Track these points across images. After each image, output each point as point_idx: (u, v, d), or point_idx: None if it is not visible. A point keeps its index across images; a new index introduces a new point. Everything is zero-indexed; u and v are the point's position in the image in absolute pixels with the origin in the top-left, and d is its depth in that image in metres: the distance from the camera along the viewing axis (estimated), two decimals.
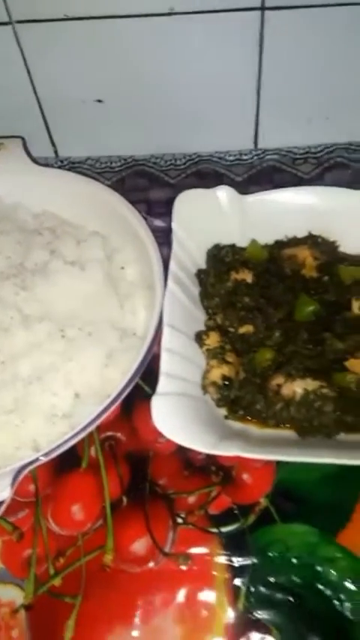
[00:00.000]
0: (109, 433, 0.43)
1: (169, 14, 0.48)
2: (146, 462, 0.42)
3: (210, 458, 0.41)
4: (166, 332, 0.40)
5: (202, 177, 0.61)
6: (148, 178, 0.60)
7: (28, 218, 0.52)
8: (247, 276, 0.44)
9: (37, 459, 0.35)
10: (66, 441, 0.37)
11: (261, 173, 0.60)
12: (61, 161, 0.62)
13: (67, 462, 0.41)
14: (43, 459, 0.36)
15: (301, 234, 0.47)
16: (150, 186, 0.60)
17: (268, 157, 0.60)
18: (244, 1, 0.47)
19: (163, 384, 0.37)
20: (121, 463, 0.41)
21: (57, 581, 0.37)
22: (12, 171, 0.52)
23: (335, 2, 0.48)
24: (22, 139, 0.53)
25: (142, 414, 0.43)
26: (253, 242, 0.45)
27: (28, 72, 0.54)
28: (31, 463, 0.35)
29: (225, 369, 0.40)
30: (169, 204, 0.58)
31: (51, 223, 0.51)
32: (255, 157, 0.61)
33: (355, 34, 0.50)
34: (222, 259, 0.45)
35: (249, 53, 0.51)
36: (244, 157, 0.61)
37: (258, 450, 0.36)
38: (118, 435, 0.43)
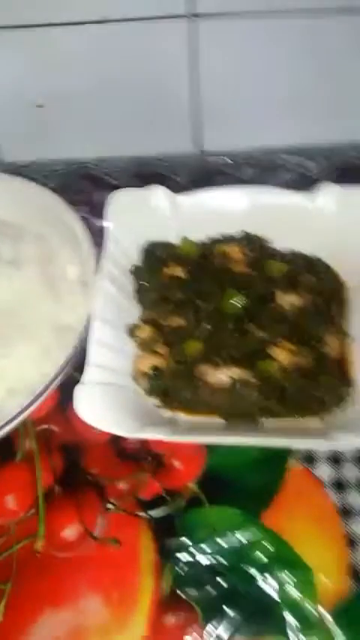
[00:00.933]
0: (45, 426, 0.44)
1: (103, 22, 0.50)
2: (80, 451, 0.43)
3: (143, 446, 0.43)
4: (96, 325, 0.41)
5: (146, 179, 0.62)
6: (92, 181, 0.62)
7: None
8: (179, 272, 0.46)
9: None
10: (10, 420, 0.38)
11: (204, 176, 0.63)
12: (7, 166, 0.63)
13: (2, 456, 0.42)
14: None
15: (234, 231, 0.49)
16: (94, 189, 0.62)
17: (210, 159, 0.63)
18: (173, 9, 0.49)
19: (88, 373, 0.39)
20: (55, 454, 0.42)
21: None
22: None
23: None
24: None
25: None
26: (185, 239, 0.47)
27: None
28: None
29: (154, 360, 0.42)
30: None
31: None
32: (195, 160, 0.63)
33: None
34: (155, 255, 0.47)
35: (185, 58, 0.54)
36: (188, 160, 0.63)
37: (185, 434, 0.38)
38: (54, 427, 0.44)
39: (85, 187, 0.61)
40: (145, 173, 0.62)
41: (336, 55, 0.55)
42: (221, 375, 0.41)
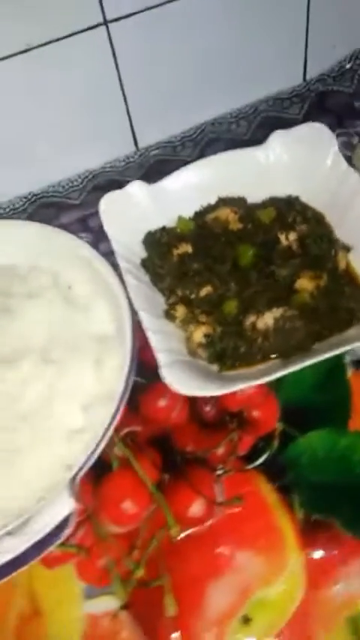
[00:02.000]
0: (126, 430, 0.45)
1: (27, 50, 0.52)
2: (168, 438, 0.45)
3: (220, 412, 0.45)
4: (142, 316, 0.43)
5: (102, 189, 0.64)
6: (55, 206, 0.63)
7: None
8: (187, 248, 0.49)
9: (82, 467, 0.37)
10: (95, 449, 0.39)
11: (151, 170, 0.66)
12: None
13: (99, 470, 0.43)
14: (89, 463, 0.37)
15: (212, 201, 0.53)
16: (59, 213, 0.63)
17: (152, 153, 0.66)
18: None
19: (162, 357, 0.41)
20: (147, 449, 0.44)
21: (140, 573, 0.39)
22: None
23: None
24: None
25: (147, 403, 0.45)
26: (180, 218, 0.50)
27: None
28: (79, 471, 0.37)
29: (203, 328, 0.44)
30: (83, 221, 0.63)
31: None
32: (140, 157, 0.66)
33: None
34: (159, 242, 0.49)
35: (106, 66, 0.57)
36: (131, 160, 0.66)
37: (258, 377, 0.41)
38: (134, 428, 0.45)
39: (50, 215, 0.62)
40: (101, 184, 0.64)
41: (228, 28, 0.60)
42: (266, 319, 0.44)
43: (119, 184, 0.63)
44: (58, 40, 0.52)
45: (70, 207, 0.63)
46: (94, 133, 0.62)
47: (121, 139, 0.64)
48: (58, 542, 0.34)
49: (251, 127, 0.68)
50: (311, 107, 0.67)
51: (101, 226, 0.60)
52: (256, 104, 0.68)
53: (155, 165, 0.66)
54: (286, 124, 0.55)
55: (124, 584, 0.38)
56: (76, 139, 0.61)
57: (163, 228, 0.50)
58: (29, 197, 0.64)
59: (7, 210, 0.63)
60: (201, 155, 0.66)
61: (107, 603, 0.38)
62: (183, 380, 0.39)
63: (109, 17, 0.53)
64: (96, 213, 0.61)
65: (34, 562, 0.33)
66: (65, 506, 0.35)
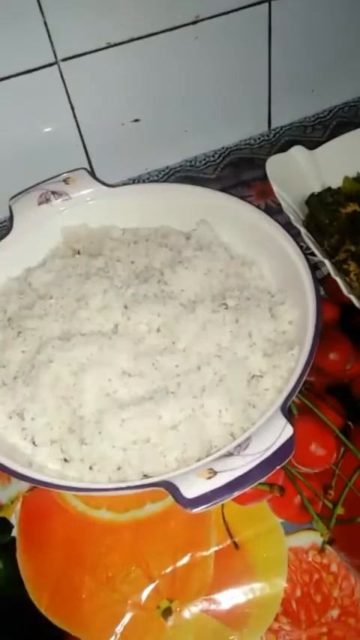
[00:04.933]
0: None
1: None
2: (348, 388, 0.44)
3: None
4: (327, 263, 0.44)
5: (235, 166, 0.66)
6: (191, 180, 0.65)
7: (119, 234, 0.53)
8: (356, 207, 0.49)
9: (292, 393, 0.37)
10: (293, 389, 0.39)
11: (281, 150, 0.67)
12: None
13: None
14: (297, 389, 0.37)
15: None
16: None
17: (284, 133, 0.68)
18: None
19: (355, 301, 0.41)
20: (326, 397, 0.44)
21: (340, 510, 0.38)
22: (88, 197, 0.54)
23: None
24: (85, 168, 0.55)
25: (319, 355, 0.45)
26: (346, 178, 0.51)
27: None
28: (289, 396, 0.37)
29: None
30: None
31: (145, 232, 0.53)
32: (272, 137, 0.68)
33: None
34: (325, 202, 0.50)
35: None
36: (265, 139, 0.68)
37: None
38: (309, 378, 0.45)
39: None
40: (234, 161, 0.65)
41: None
42: None
43: (252, 162, 0.66)
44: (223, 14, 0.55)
45: (206, 181, 0.64)
46: (233, 112, 0.64)
47: (256, 119, 0.66)
48: (284, 463, 0.33)
49: None
50: None
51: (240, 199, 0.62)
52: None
53: (286, 146, 0.67)
54: None
55: (326, 521, 0.38)
56: (214, 117, 0.64)
57: (329, 189, 0.51)
58: (166, 170, 0.66)
59: (145, 182, 0.64)
60: (331, 137, 0.68)
61: (310, 538, 0.37)
62: None
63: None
64: (232, 186, 0.64)
65: (257, 482, 0.33)
66: (284, 429, 0.34)
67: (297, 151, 0.52)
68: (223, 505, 0.39)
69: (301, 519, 0.38)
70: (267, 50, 0.60)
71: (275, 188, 0.50)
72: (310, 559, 0.36)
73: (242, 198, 0.61)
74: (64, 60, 0.54)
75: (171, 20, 0.54)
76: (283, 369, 0.42)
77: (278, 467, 0.33)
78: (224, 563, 0.37)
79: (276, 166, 0.51)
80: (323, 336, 0.44)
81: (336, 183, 0.53)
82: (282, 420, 0.35)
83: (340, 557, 0.36)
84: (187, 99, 0.62)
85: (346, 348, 0.46)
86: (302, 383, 0.39)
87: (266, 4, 0.56)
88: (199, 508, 0.32)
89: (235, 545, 0.37)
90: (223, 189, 0.64)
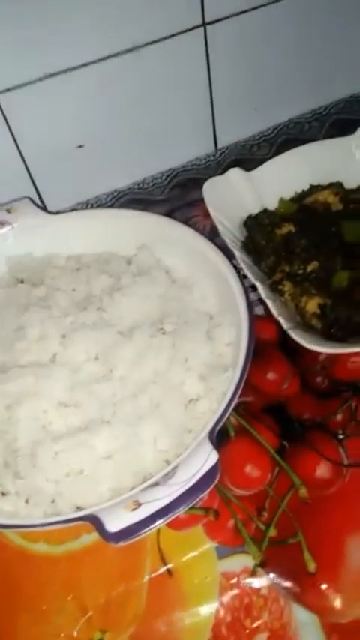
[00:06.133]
0: (238, 400, 0.46)
1: None
2: (284, 408, 0.45)
3: (333, 382, 0.46)
4: (259, 287, 0.45)
5: (183, 187, 0.67)
6: (140, 203, 0.66)
7: (63, 261, 0.54)
8: (291, 227, 0.50)
9: (220, 419, 0.38)
10: (224, 413, 0.39)
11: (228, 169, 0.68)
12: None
13: (216, 440, 0.43)
14: (225, 416, 0.38)
15: (305, 188, 0.55)
16: (145, 209, 0.65)
17: (230, 152, 0.69)
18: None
19: (283, 322, 0.42)
20: (263, 417, 0.44)
21: (272, 532, 0.38)
22: (31, 226, 0.54)
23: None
24: (29, 197, 0.56)
25: (256, 375, 0.46)
26: (282, 199, 0.52)
27: None
28: (217, 423, 0.37)
29: (317, 299, 0.46)
30: (169, 216, 0.65)
31: (88, 259, 0.54)
32: (218, 157, 0.69)
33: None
34: (262, 223, 0.51)
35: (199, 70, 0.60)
36: (211, 159, 0.69)
37: None
38: (246, 399, 0.46)
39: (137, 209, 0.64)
40: (182, 182, 0.66)
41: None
42: None
43: (200, 182, 0.66)
44: (159, 40, 0.56)
45: (155, 203, 0.65)
46: (178, 133, 0.65)
47: (202, 139, 0.67)
48: (207, 490, 0.34)
49: (324, 128, 0.70)
50: None
51: (188, 219, 0.63)
52: (329, 107, 0.71)
53: (233, 165, 0.68)
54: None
55: (258, 543, 0.38)
56: (160, 139, 0.65)
57: (265, 210, 0.52)
58: (115, 194, 0.66)
59: (94, 206, 0.65)
60: (277, 154, 0.69)
61: (242, 561, 0.37)
62: (310, 339, 0.40)
63: (207, 19, 0.57)
64: (181, 207, 0.65)
65: (182, 510, 0.33)
66: (210, 456, 0.35)
67: (234, 173, 0.53)
68: (158, 531, 0.40)
69: (234, 543, 0.39)
70: (206, 73, 0.61)
71: (212, 211, 0.50)
72: (241, 583, 0.37)
73: (189, 218, 0.63)
74: (2, 92, 0.54)
75: (107, 48, 0.55)
76: (219, 392, 0.43)
77: (202, 495, 0.34)
78: (158, 591, 0.37)
79: (214, 189, 0.52)
80: (262, 355, 0.45)
81: (275, 204, 0.54)
82: (208, 447, 0.36)
83: (270, 579, 0.37)
84: (133, 122, 0.63)
85: (283, 368, 0.47)
86: (232, 407, 0.40)
87: (201, 29, 0.57)
88: (123, 542, 0.32)
89: (169, 572, 0.38)
90: (172, 210, 0.65)
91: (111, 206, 0.65)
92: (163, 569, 0.38)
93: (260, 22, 0.59)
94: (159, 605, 0.36)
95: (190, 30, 0.57)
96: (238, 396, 0.40)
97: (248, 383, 0.47)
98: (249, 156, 0.69)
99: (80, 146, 0.61)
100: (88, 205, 0.65)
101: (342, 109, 0.72)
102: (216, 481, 0.34)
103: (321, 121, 0.71)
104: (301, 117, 0.70)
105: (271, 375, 0.46)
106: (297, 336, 0.40)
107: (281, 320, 0.42)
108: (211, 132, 0.67)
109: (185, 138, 0.66)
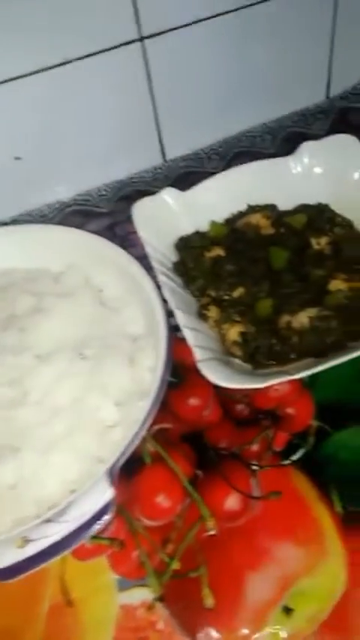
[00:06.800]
0: (157, 427, 0.45)
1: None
2: (202, 436, 0.45)
3: (253, 411, 0.46)
4: (178, 314, 0.44)
5: (129, 199, 0.66)
6: (82, 215, 0.65)
7: None
8: (220, 251, 0.50)
9: (120, 457, 0.37)
10: (131, 442, 0.39)
11: (177, 181, 0.68)
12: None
13: (130, 467, 0.43)
14: (127, 453, 0.38)
15: (241, 209, 0.54)
16: (87, 221, 0.64)
17: (179, 165, 0.68)
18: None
19: (198, 353, 0.41)
20: (179, 445, 0.44)
21: (175, 565, 0.38)
22: None
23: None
24: None
25: (176, 401, 0.46)
26: (213, 222, 0.52)
27: None
28: (117, 461, 0.37)
29: (239, 327, 0.45)
30: (111, 229, 0.64)
31: (17, 277, 0.53)
32: (167, 169, 0.68)
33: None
34: (191, 246, 0.50)
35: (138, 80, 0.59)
36: (159, 171, 0.68)
37: (294, 373, 0.41)
38: (166, 425, 0.46)
39: (78, 222, 0.64)
40: (129, 194, 0.65)
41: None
42: (301, 319, 0.45)
43: (146, 195, 0.66)
44: (94, 54, 0.55)
45: (98, 216, 0.65)
46: (123, 145, 0.64)
47: (149, 151, 0.66)
48: (99, 527, 0.34)
49: (276, 142, 0.70)
50: (335, 123, 0.69)
51: (129, 234, 0.62)
52: (281, 120, 0.70)
53: (181, 177, 0.68)
54: (310, 139, 0.57)
55: (159, 576, 0.38)
56: (104, 151, 0.64)
57: (196, 233, 0.51)
58: (57, 206, 0.65)
59: (37, 217, 0.64)
60: (227, 168, 0.68)
61: (141, 594, 0.37)
62: (221, 374, 0.39)
63: (144, 33, 0.56)
64: (123, 221, 0.64)
65: (73, 548, 0.33)
66: (105, 493, 0.35)
67: (168, 193, 0.52)
68: (62, 560, 0.40)
69: (137, 575, 0.39)
70: (147, 85, 0.60)
71: (141, 233, 0.50)
72: (138, 616, 0.37)
73: (130, 233, 0.62)
74: None
75: (39, 62, 0.54)
76: (133, 420, 0.42)
77: (93, 531, 0.34)
78: (56, 621, 0.37)
79: (145, 209, 0.51)
80: (184, 381, 0.45)
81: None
82: (105, 483, 0.36)
83: (167, 614, 0.37)
84: (79, 134, 0.62)
85: (206, 394, 0.46)
86: (138, 439, 0.39)
87: (139, 43, 0.56)
88: (10, 579, 0.32)
89: (69, 602, 0.38)
90: (114, 224, 0.65)
91: (54, 218, 0.64)
92: (63, 600, 0.38)
93: (204, 35, 0.58)
94: (56, 635, 0.36)
95: (127, 44, 0.56)
96: (147, 426, 0.40)
97: (169, 409, 0.47)
98: (199, 168, 0.68)
99: (17, 158, 0.60)
100: (31, 217, 0.64)
101: (296, 122, 0.71)
102: (104, 521, 0.33)
103: (273, 134, 0.70)
104: (252, 130, 0.70)
105: (192, 401, 0.46)
106: (207, 371, 0.39)
107: (196, 351, 0.41)
108: (157, 144, 0.66)
109: (131, 149, 0.65)
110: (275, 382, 0.39)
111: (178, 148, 0.68)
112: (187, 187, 0.54)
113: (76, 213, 0.65)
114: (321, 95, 0.70)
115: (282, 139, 0.70)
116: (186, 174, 0.68)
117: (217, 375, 0.39)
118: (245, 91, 0.66)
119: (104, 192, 0.66)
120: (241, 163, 0.66)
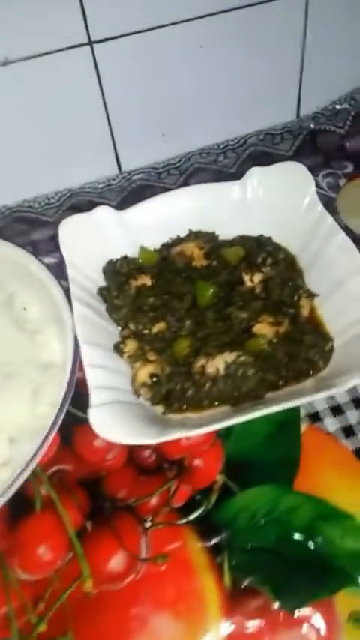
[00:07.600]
0: (55, 467, 0.42)
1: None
2: (101, 481, 0.42)
3: (160, 458, 0.42)
4: (84, 349, 0.41)
5: (79, 209, 0.63)
6: (27, 222, 0.61)
7: None
8: (146, 280, 0.46)
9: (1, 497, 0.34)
10: (10, 485, 0.36)
11: (131, 194, 0.64)
12: None
13: (20, 509, 0.40)
14: (5, 498, 0.35)
15: (182, 233, 0.51)
16: (31, 229, 0.61)
17: (135, 177, 0.64)
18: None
19: (94, 396, 0.38)
20: (75, 491, 0.41)
21: (42, 627, 0.35)
22: None
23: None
24: None
25: (82, 440, 0.43)
26: (142, 248, 0.48)
27: None
28: None
29: (150, 368, 0.42)
30: (53, 240, 0.61)
31: None
32: (121, 180, 0.64)
33: None
34: (118, 272, 0.47)
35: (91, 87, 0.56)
36: (112, 183, 0.64)
37: (199, 427, 0.38)
38: (65, 466, 0.42)
39: (21, 230, 0.60)
40: (78, 204, 0.62)
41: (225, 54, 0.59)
42: (217, 364, 0.41)
43: (96, 206, 0.62)
44: (41, 55, 0.51)
45: (43, 224, 0.61)
46: (76, 152, 0.61)
47: (104, 162, 0.63)
48: None
49: (239, 160, 0.66)
50: (302, 144, 0.65)
51: None
52: (246, 137, 0.66)
53: (137, 190, 0.64)
54: (275, 159, 0.53)
55: (24, 638, 0.35)
56: (57, 157, 0.60)
57: (125, 257, 0.48)
58: (3, 210, 0.62)
59: None
60: (185, 184, 0.64)
61: None
62: (111, 424, 0.36)
63: (94, 38, 0.52)
64: None
65: None
66: None
67: (102, 212, 0.49)
68: None
69: (2, 634, 0.36)
70: (99, 91, 0.56)
71: (66, 254, 0.46)
72: None
73: None
74: None
75: None
76: (21, 461, 0.39)
77: None
78: None
79: (75, 228, 0.48)
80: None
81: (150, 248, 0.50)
82: None
83: None
84: (34, 138, 0.58)
85: None
86: (17, 486, 0.36)
87: (88, 47, 0.52)
88: None
89: None
90: (57, 234, 0.61)
91: None
92: None
93: (158, 44, 0.54)
94: None
95: (75, 47, 0.52)
96: (31, 467, 0.37)
97: (73, 448, 0.43)
98: (157, 182, 0.65)
99: None
100: None
101: (262, 140, 0.67)
102: None
103: (236, 152, 0.66)
104: (213, 146, 0.66)
105: (97, 442, 0.43)
106: (95, 419, 0.36)
107: (93, 394, 0.38)
108: (112, 154, 0.63)
109: (84, 157, 0.62)
110: (171, 438, 0.36)
111: (134, 160, 0.64)
112: (143, 201, 0.51)
113: (18, 220, 0.61)
114: (292, 114, 0.66)
115: (246, 157, 0.66)
116: (141, 187, 0.64)
117: (105, 425, 0.36)
118: (209, 105, 0.62)
119: (52, 201, 0.62)
120: (200, 180, 0.65)
